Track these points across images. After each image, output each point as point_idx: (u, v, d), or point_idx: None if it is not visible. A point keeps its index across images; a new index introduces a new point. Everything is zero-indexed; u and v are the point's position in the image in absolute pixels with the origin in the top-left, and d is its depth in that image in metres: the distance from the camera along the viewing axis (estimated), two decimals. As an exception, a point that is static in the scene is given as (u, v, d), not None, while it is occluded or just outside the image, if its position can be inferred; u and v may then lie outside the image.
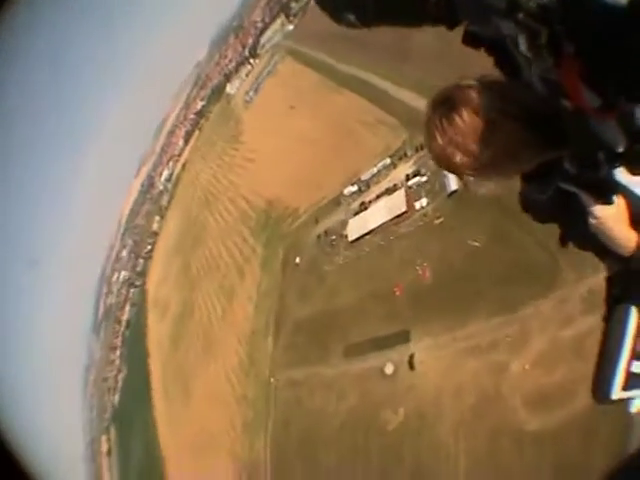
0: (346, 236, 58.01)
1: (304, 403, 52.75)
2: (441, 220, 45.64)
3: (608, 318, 3.21)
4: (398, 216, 51.81)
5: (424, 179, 51.06)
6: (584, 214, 2.73)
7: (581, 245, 3.21)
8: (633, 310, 3.09)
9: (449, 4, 2.55)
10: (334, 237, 60.03)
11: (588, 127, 2.49)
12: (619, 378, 3.11)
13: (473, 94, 2.50)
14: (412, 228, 49.14)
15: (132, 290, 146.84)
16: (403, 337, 43.66)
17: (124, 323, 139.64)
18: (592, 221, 2.70)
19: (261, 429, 58.51)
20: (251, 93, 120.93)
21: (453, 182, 44.87)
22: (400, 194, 53.27)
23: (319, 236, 62.85)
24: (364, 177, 60.01)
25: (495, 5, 2.39)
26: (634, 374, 3.13)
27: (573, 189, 2.73)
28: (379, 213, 54.71)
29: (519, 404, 32.96)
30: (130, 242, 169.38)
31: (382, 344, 45.16)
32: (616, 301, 3.19)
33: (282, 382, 57.88)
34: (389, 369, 43.98)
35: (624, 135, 2.46)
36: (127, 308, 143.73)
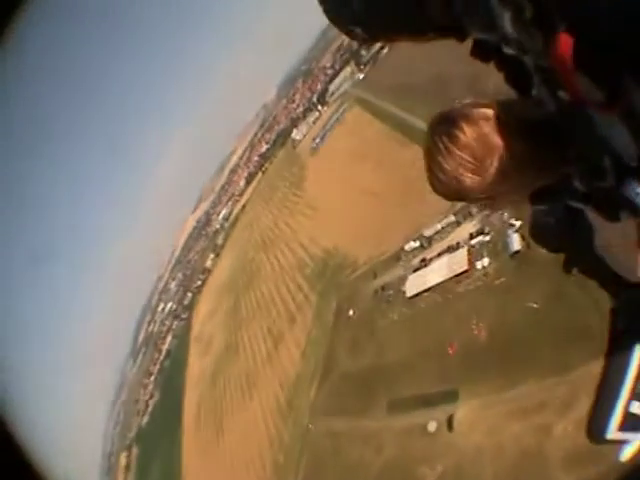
0: (404, 292, 57.06)
1: (340, 452, 51.86)
2: (502, 280, 45.00)
3: (611, 352, 3.26)
4: (458, 275, 51.01)
5: (487, 238, 50.39)
6: (591, 236, 2.77)
7: (586, 271, 3.27)
8: (637, 349, 3.11)
9: (449, 8, 2.45)
10: (391, 292, 59.24)
11: (592, 126, 2.31)
12: (616, 417, 3.15)
13: (470, 109, 2.49)
14: (471, 287, 48.24)
15: (176, 322, 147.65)
16: (451, 397, 42.67)
17: (164, 352, 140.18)
18: (597, 240, 2.73)
19: (291, 474, 57.81)
20: (317, 140, 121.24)
21: (516, 242, 44.19)
22: (462, 253, 52.61)
23: (376, 291, 62.06)
24: (427, 233, 59.31)
25: None
26: (632, 415, 3.16)
27: (581, 206, 2.68)
28: (439, 271, 53.99)
29: (558, 465, 32.46)
30: (180, 275, 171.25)
31: (428, 402, 44.31)
32: (620, 335, 3.24)
33: (320, 430, 57.09)
34: (432, 427, 43.00)
35: (633, 139, 2.26)
36: (169, 339, 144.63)
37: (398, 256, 61.68)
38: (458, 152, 2.41)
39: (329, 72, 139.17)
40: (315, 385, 62.52)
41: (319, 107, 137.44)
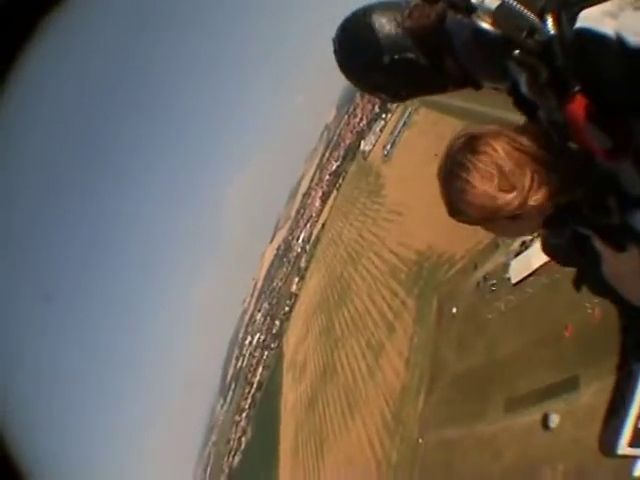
0: (508, 279, 53.18)
1: (454, 465, 47.87)
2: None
3: (621, 368, 3.32)
4: (564, 250, 45.99)
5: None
6: (598, 262, 2.68)
7: (596, 291, 3.18)
8: None
9: (463, 66, 2.63)
10: (494, 282, 55.38)
11: (599, 170, 2.38)
12: (627, 433, 3.12)
13: (494, 129, 2.44)
14: (580, 262, 43.30)
15: (266, 352, 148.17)
16: (572, 384, 38.77)
17: (255, 385, 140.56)
18: (604, 267, 2.66)
19: None
20: (388, 147, 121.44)
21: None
22: (564, 227, 47.70)
23: (478, 283, 58.32)
24: (522, 215, 54.67)
25: (493, 45, 2.38)
26: None
27: (585, 231, 2.65)
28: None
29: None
30: (266, 305, 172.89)
31: (548, 393, 40.53)
32: (630, 352, 3.36)
33: (432, 443, 52.88)
34: (554, 421, 38.98)
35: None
36: (259, 370, 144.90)
37: (496, 243, 57.49)
38: (487, 167, 2.39)
39: None
40: (423, 394, 58.66)
41: (383, 115, 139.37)
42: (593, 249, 2.68)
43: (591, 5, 2.19)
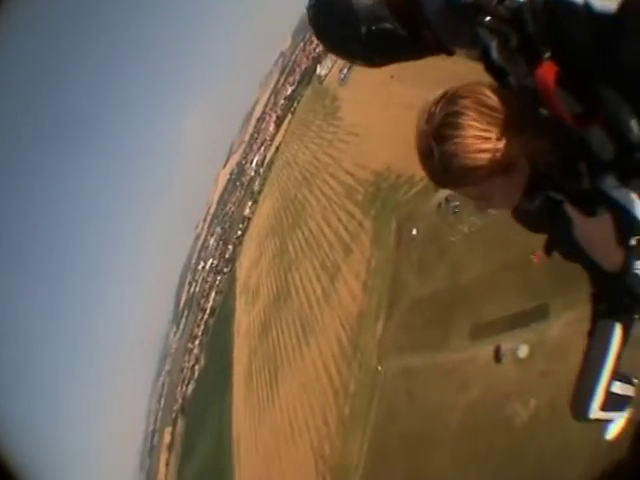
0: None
1: (417, 396, 45.16)
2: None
3: (592, 334, 3.22)
4: (533, 171, 42.93)
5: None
6: (570, 227, 2.71)
7: (567, 256, 3.18)
8: (617, 328, 3.08)
9: (434, 32, 2.62)
10: (457, 203, 52.00)
11: (569, 136, 2.41)
12: (598, 397, 3.12)
13: (468, 102, 2.44)
14: (550, 184, 40.26)
15: (219, 277, 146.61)
16: (541, 312, 36.64)
17: (208, 311, 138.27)
18: (576, 232, 2.70)
19: (359, 427, 51.12)
20: (345, 70, 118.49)
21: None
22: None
23: (440, 204, 55.16)
24: (492, 134, 51.52)
25: (465, 12, 2.40)
26: (614, 394, 3.17)
27: (557, 196, 2.68)
28: (510, 172, 46.09)
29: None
30: (218, 230, 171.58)
31: (517, 322, 38.40)
32: (600, 317, 3.18)
33: (392, 371, 50.10)
34: (523, 352, 36.93)
35: (612, 143, 2.36)
36: (212, 296, 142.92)
37: None
38: (473, 122, 2.41)
39: None
40: (382, 319, 55.88)
41: None
42: (564, 214, 2.66)
43: None
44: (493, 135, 2.38)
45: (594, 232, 2.62)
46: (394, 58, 2.87)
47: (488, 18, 2.31)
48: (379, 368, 52.20)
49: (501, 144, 2.39)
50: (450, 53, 2.75)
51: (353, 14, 2.64)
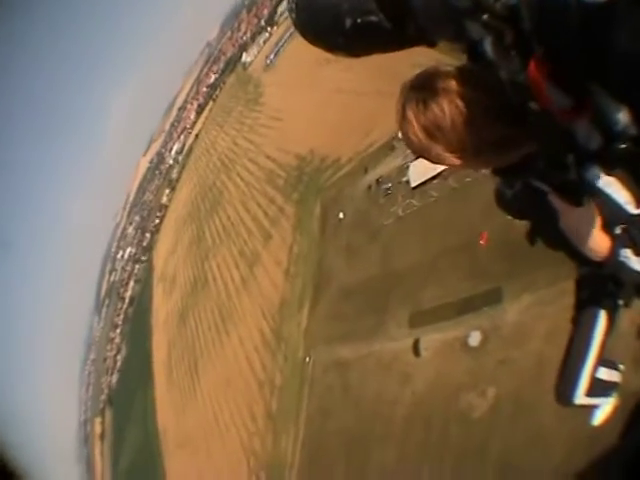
0: (406, 182, 46.84)
1: (352, 389, 40.90)
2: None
3: (576, 321, 3.22)
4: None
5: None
6: (555, 214, 2.71)
7: (551, 245, 3.19)
8: (601, 315, 3.09)
9: (422, 26, 2.46)
10: (389, 185, 48.94)
11: (558, 129, 2.34)
12: (583, 383, 3.12)
13: (453, 82, 2.43)
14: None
15: (137, 266, 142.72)
16: (493, 296, 32.99)
17: (127, 300, 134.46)
18: (562, 223, 2.69)
19: (290, 423, 46.79)
20: (272, 56, 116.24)
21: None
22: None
23: (369, 186, 51.93)
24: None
25: (460, 7, 2.27)
26: (599, 380, 3.16)
27: (544, 187, 2.67)
28: (449, 153, 42.50)
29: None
30: (137, 218, 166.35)
31: (465, 307, 34.63)
32: (585, 304, 3.18)
33: (322, 363, 45.99)
34: (475, 339, 33.12)
35: (599, 135, 2.30)
36: (131, 285, 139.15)
37: (391, 145, 50.98)
38: (430, 124, 2.42)
39: None
40: (307, 307, 52.14)
41: (268, 28, 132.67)
42: (549, 204, 2.66)
43: None
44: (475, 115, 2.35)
45: (580, 222, 2.60)
46: (376, 49, 2.64)
47: (485, 15, 2.17)
48: (307, 360, 48.28)
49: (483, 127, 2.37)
50: (433, 45, 2.55)
51: (337, 6, 2.45)
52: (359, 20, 2.43)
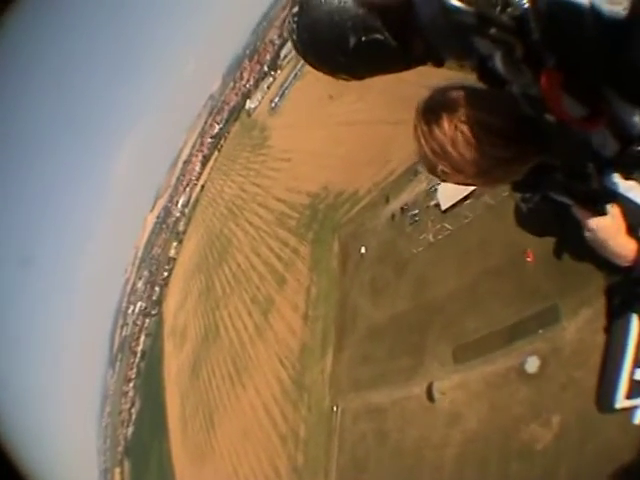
0: (436, 206, 43.11)
1: (390, 436, 35.93)
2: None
3: (609, 329, 3.16)
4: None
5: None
6: (579, 226, 2.61)
7: (577, 257, 3.20)
8: (634, 318, 3.05)
9: (429, 44, 2.45)
10: (416, 212, 45.12)
11: (575, 139, 2.37)
12: (622, 386, 3.09)
13: (459, 105, 2.42)
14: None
15: (147, 320, 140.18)
16: (550, 316, 28.91)
17: (139, 354, 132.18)
18: (587, 234, 2.59)
19: (320, 476, 41.86)
20: (276, 100, 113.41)
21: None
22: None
23: (393, 216, 47.88)
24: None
25: (466, 23, 2.25)
26: (637, 382, 3.11)
27: (564, 200, 2.62)
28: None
29: None
30: (146, 273, 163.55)
31: (515, 333, 30.83)
32: (617, 311, 3.11)
33: (352, 411, 41.23)
34: (532, 366, 29.20)
35: (616, 140, 2.36)
36: (142, 339, 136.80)
37: (414, 170, 46.41)
38: (435, 145, 2.45)
39: (277, 42, 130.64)
40: (331, 352, 47.49)
41: (272, 73, 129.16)
42: (571, 217, 2.58)
43: None
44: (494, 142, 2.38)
45: (605, 230, 2.49)
46: (381, 70, 2.64)
47: (493, 29, 2.17)
48: (334, 409, 43.54)
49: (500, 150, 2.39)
50: (440, 64, 2.57)
51: (341, 25, 2.43)
52: (364, 39, 2.39)
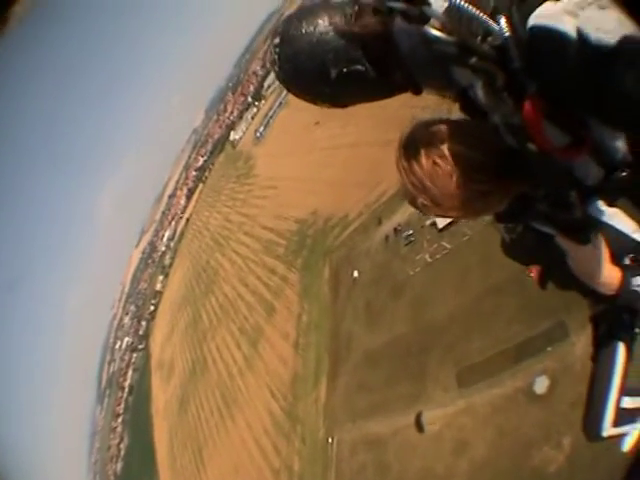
0: (431, 225, 41.04)
1: (391, 468, 33.79)
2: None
3: (596, 356, 3.21)
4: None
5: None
6: (563, 255, 2.67)
7: (562, 286, 3.20)
8: (620, 346, 3.07)
9: (408, 72, 2.46)
10: (410, 232, 43.20)
11: (557, 168, 2.34)
12: (609, 415, 3.10)
13: (438, 139, 2.39)
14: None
15: (135, 354, 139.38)
16: (558, 332, 26.73)
17: (127, 389, 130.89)
18: (571, 263, 2.65)
19: None
20: (261, 129, 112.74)
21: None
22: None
23: (387, 237, 46.12)
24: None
25: (447, 53, 2.27)
26: (624, 409, 3.13)
27: (547, 229, 2.63)
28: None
29: None
30: (133, 308, 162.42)
31: (522, 352, 28.65)
32: (603, 339, 3.17)
33: (348, 442, 39.01)
34: (541, 386, 26.99)
35: (599, 168, 2.35)
36: (129, 373, 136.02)
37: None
38: (414, 179, 2.44)
39: (260, 73, 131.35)
40: (324, 381, 45.48)
41: (256, 103, 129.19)
42: (554, 246, 2.62)
43: (543, 2, 2.06)
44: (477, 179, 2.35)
45: (588, 259, 2.54)
46: (362, 98, 2.66)
47: (474, 59, 2.16)
48: (329, 440, 41.37)
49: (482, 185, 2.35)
50: (419, 92, 2.59)
51: (322, 56, 2.44)
52: (345, 70, 2.39)
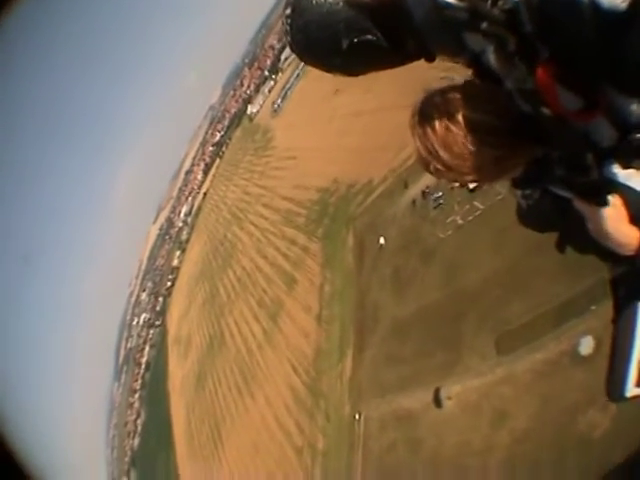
0: (461, 185, 37.73)
1: (425, 444, 31.64)
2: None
3: (617, 319, 3.23)
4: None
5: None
6: (581, 219, 2.58)
7: (581, 249, 3.20)
8: None
9: (421, 41, 2.44)
10: (440, 194, 41.25)
11: (572, 131, 2.31)
12: (632, 375, 3.16)
13: (452, 106, 2.36)
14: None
15: (152, 331, 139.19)
16: (601, 289, 23.09)
17: (144, 365, 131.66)
18: (589, 226, 2.56)
19: None
20: (279, 101, 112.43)
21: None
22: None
23: (414, 201, 44.04)
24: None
25: (458, 18, 2.23)
26: None
27: (565, 193, 2.56)
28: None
29: None
30: (150, 284, 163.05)
31: (565, 313, 27.01)
32: (623, 302, 3.20)
33: (377, 418, 36.86)
34: (586, 347, 25.59)
35: (615, 130, 2.29)
36: (147, 350, 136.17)
37: None
38: (428, 144, 2.39)
39: (277, 46, 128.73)
40: (350, 355, 43.31)
41: (273, 76, 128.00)
42: (572, 210, 2.53)
43: None
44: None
45: (607, 221, 2.43)
46: (374, 68, 2.61)
47: (484, 24, 2.14)
48: (357, 416, 39.25)
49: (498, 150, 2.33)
50: (432, 60, 2.55)
51: (333, 27, 2.43)
52: (356, 40, 2.39)
